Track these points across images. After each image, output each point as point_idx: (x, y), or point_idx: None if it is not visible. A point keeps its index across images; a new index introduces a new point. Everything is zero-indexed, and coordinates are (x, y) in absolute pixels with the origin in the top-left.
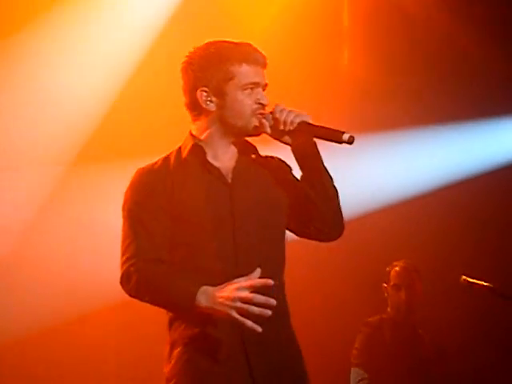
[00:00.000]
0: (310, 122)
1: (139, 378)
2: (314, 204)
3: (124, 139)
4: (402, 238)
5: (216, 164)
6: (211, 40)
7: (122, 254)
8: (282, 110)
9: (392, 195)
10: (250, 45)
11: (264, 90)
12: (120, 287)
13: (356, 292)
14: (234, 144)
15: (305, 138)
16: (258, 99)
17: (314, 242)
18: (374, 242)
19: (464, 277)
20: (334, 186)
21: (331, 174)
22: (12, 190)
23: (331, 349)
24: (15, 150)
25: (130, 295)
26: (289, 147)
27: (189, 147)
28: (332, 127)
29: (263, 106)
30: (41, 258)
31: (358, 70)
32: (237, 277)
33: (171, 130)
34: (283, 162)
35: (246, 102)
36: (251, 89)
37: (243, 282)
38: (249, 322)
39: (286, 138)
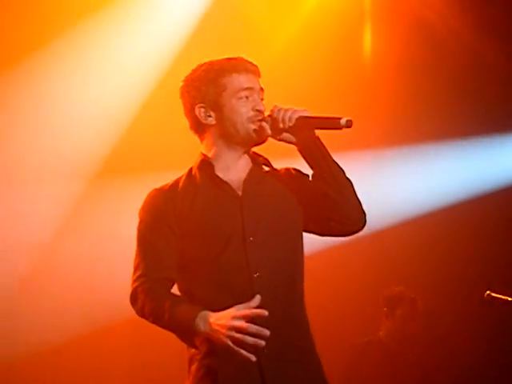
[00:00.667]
0: (308, 115)
1: None
2: (330, 198)
3: (147, 152)
4: (423, 251)
5: (226, 177)
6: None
7: (133, 273)
8: (279, 110)
9: (413, 209)
10: (241, 57)
11: (262, 96)
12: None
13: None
14: (245, 156)
15: (307, 134)
16: (254, 106)
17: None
18: (392, 255)
19: (488, 292)
20: (347, 178)
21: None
22: (36, 202)
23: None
24: (39, 163)
25: (138, 315)
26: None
27: (197, 163)
28: (328, 115)
29: (260, 112)
30: (65, 271)
31: (384, 85)
32: (249, 290)
33: (196, 143)
34: (298, 170)
35: (241, 109)
36: (246, 97)
37: (240, 310)
38: (243, 352)
39: (288, 137)
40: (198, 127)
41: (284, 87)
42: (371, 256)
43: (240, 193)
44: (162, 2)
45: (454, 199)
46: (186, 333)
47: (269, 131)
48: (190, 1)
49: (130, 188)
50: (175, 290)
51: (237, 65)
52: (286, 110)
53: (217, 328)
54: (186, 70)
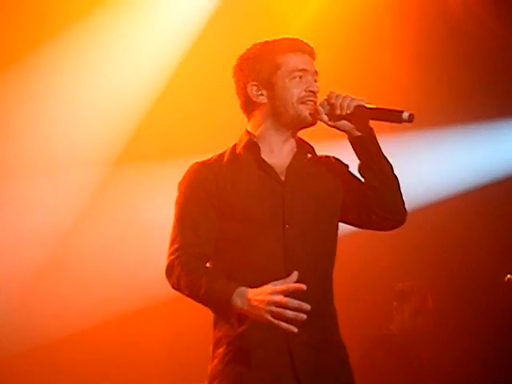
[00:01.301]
0: (367, 105)
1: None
2: (376, 191)
3: (166, 138)
4: (432, 240)
5: (270, 161)
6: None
7: (170, 246)
8: (337, 96)
9: (438, 191)
10: (297, 38)
11: (315, 78)
12: (166, 284)
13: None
14: (291, 141)
15: (362, 123)
16: (308, 87)
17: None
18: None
19: (509, 275)
20: (395, 174)
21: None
22: (55, 190)
23: None
24: (58, 151)
25: (173, 288)
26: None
27: (243, 143)
28: (389, 107)
29: (313, 93)
30: (85, 258)
31: (400, 72)
32: (285, 276)
33: (213, 128)
34: (339, 160)
35: (294, 90)
36: (300, 77)
37: (278, 286)
38: (284, 324)
39: (343, 124)
40: (248, 106)
41: None
42: (389, 245)
43: (283, 178)
44: None
45: (470, 185)
46: (223, 309)
47: (324, 117)
48: None
49: (148, 175)
50: None
51: (293, 45)
52: (345, 97)
53: (255, 304)
54: (199, 59)
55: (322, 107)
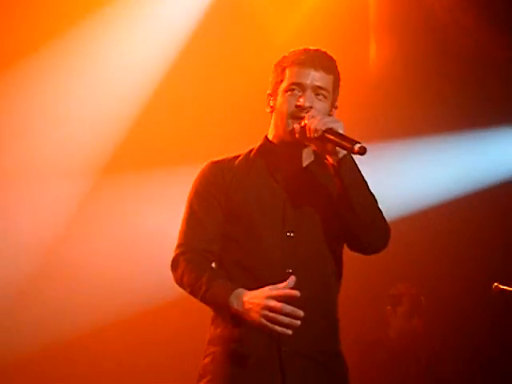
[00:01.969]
0: (339, 130)
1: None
2: (346, 221)
3: (153, 146)
4: (431, 244)
5: (279, 167)
6: None
7: (178, 239)
8: (313, 117)
9: (420, 202)
10: (316, 50)
11: (317, 92)
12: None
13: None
14: (300, 150)
15: (332, 149)
16: (296, 101)
17: None
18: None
19: (496, 284)
20: (370, 195)
21: None
22: (44, 199)
23: None
24: (46, 160)
25: (176, 283)
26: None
27: (257, 147)
28: (348, 136)
29: (300, 108)
30: (76, 267)
31: (385, 77)
32: (282, 282)
33: (204, 135)
34: None
35: (284, 104)
36: (292, 90)
37: (274, 290)
38: (278, 328)
39: (317, 145)
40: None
41: None
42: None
43: (288, 184)
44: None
45: (461, 191)
46: (220, 309)
47: (297, 135)
48: None
49: (136, 184)
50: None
51: (301, 57)
52: (320, 120)
53: (250, 306)
54: (189, 66)
55: (300, 126)
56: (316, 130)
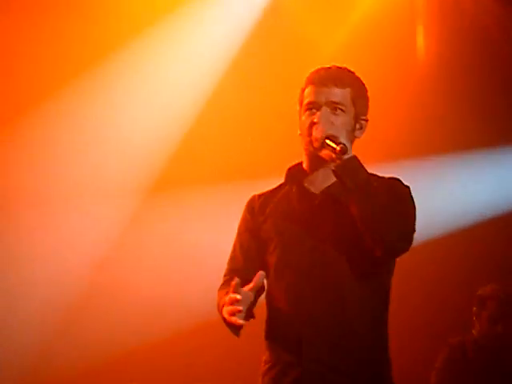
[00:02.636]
0: (337, 134)
1: None
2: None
3: (205, 163)
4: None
5: (310, 187)
6: None
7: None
8: (316, 128)
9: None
10: (327, 67)
11: (333, 107)
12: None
13: (439, 312)
14: (327, 168)
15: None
16: (312, 119)
17: None
18: (456, 264)
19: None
20: (376, 196)
21: None
22: (93, 220)
23: (410, 369)
24: (94, 180)
25: None
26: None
27: (290, 167)
28: (339, 140)
29: (315, 125)
30: (125, 287)
31: (432, 91)
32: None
33: (249, 152)
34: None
35: (304, 122)
36: (309, 110)
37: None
38: (233, 318)
39: (325, 156)
40: None
41: None
42: (466, 253)
43: (318, 204)
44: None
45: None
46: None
47: (310, 148)
48: (240, 13)
49: (186, 202)
50: None
51: (315, 76)
52: (318, 130)
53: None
54: (236, 81)
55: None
56: (317, 139)
